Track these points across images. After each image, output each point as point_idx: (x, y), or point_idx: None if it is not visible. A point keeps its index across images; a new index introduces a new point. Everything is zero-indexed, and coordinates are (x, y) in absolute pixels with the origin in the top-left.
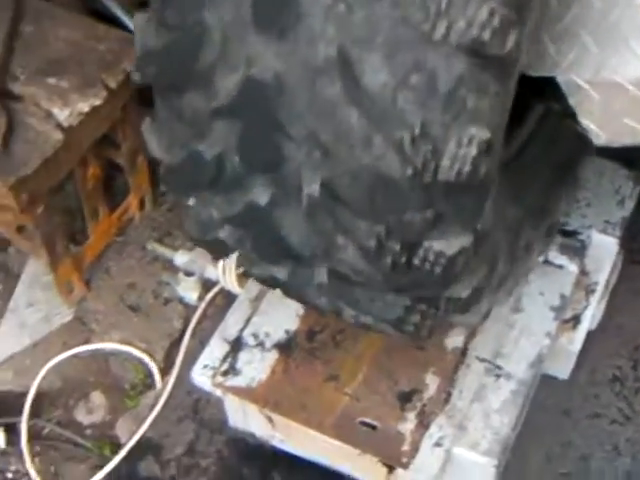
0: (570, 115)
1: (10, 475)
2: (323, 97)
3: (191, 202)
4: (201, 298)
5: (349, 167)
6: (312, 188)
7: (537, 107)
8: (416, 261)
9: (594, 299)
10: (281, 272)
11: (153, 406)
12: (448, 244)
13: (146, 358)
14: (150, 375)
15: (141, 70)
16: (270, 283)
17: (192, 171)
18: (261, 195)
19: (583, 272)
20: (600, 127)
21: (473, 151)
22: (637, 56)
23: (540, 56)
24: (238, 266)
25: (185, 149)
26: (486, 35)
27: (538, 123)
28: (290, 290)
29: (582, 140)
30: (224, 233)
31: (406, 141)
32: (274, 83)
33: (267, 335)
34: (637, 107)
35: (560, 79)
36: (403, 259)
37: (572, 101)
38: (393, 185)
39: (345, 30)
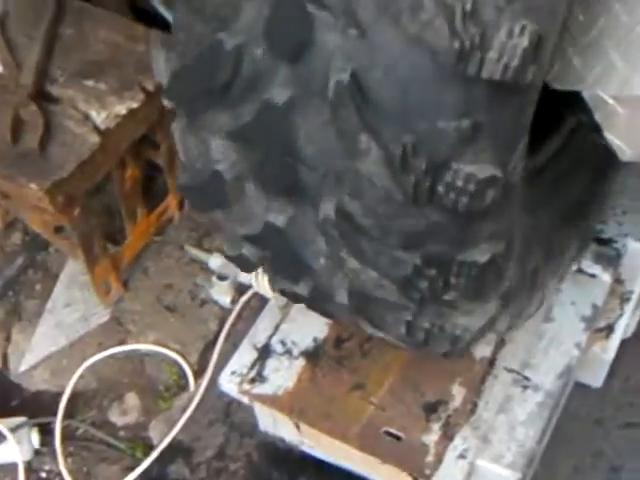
0: (598, 129)
1: (44, 475)
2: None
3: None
4: (234, 301)
5: (386, 51)
6: (341, 76)
7: (569, 119)
8: (441, 189)
9: (628, 308)
10: (302, 289)
11: (185, 409)
12: (479, 168)
13: (180, 360)
14: (184, 377)
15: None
16: (293, 299)
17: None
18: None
19: (618, 280)
20: (625, 142)
21: (524, 42)
22: None
23: (566, 70)
24: None
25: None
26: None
27: (569, 135)
28: (313, 306)
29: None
30: (246, 250)
31: (457, 12)
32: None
33: (295, 343)
34: None
35: (586, 94)
36: (427, 182)
37: (597, 116)
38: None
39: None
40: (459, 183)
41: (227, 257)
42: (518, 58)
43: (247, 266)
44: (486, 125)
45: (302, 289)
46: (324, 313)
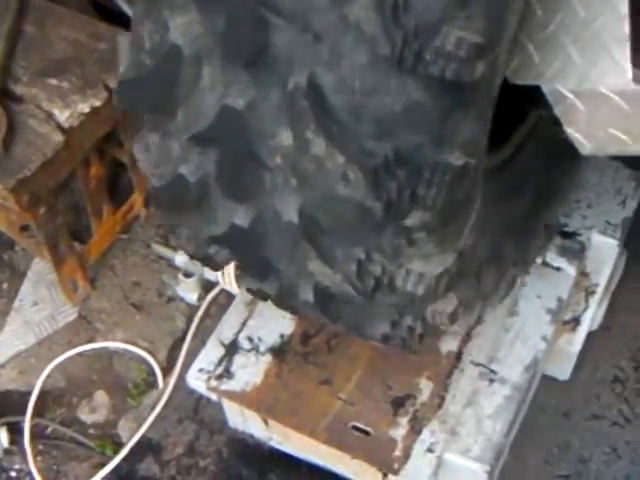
0: (558, 123)
1: (13, 474)
2: (295, 126)
3: (180, 222)
4: (201, 298)
5: (326, 195)
6: (290, 213)
7: (531, 114)
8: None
9: (594, 301)
10: (269, 288)
11: (154, 406)
12: (431, 265)
13: (149, 357)
14: (153, 374)
15: (122, 96)
16: (261, 296)
17: (178, 192)
18: (243, 217)
19: (583, 273)
20: (585, 137)
21: (448, 177)
22: (620, 66)
23: (525, 64)
24: None
25: (171, 171)
26: (454, 65)
27: (530, 130)
28: (280, 303)
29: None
30: (212, 250)
31: (380, 169)
32: (249, 111)
33: (262, 339)
34: (622, 117)
35: (545, 88)
36: (385, 281)
37: (557, 110)
38: (370, 213)
39: (313, 58)
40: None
41: (194, 257)
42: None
43: (214, 266)
44: (431, 231)
45: (268, 287)
46: (291, 311)
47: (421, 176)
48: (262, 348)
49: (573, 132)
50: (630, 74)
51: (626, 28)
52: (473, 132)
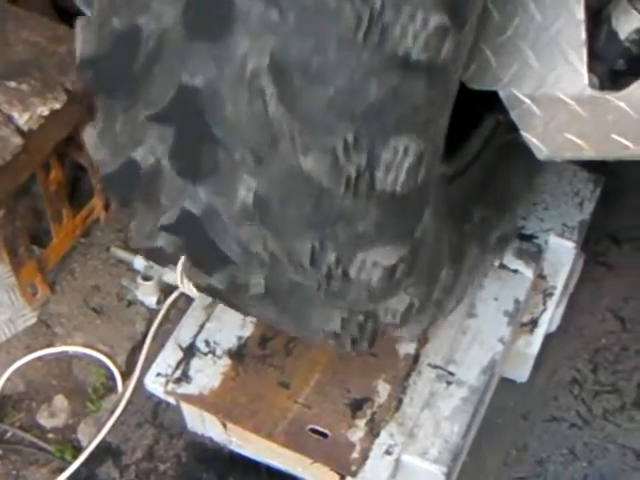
0: (515, 128)
1: None
2: (256, 104)
3: (131, 209)
4: (160, 302)
5: (283, 176)
6: (246, 195)
7: (488, 119)
8: (352, 272)
9: (552, 303)
10: (219, 281)
11: (113, 410)
12: (385, 255)
13: (108, 362)
14: (112, 378)
15: (81, 75)
16: (210, 293)
17: (129, 178)
18: (196, 203)
19: (540, 276)
20: (542, 141)
21: (408, 160)
22: (576, 71)
23: (482, 69)
24: None
25: (122, 156)
26: (419, 44)
27: (489, 135)
28: (229, 300)
29: None
30: (162, 241)
31: (339, 150)
32: (207, 90)
33: (219, 342)
34: (578, 122)
35: (502, 93)
36: (339, 270)
37: (514, 115)
38: (327, 195)
39: (278, 38)
40: (368, 268)
41: (140, 251)
42: (404, 174)
43: (163, 258)
44: (385, 223)
45: (218, 281)
46: (241, 310)
47: (380, 159)
48: (219, 351)
49: (530, 137)
50: (586, 79)
51: (582, 33)
52: (433, 118)
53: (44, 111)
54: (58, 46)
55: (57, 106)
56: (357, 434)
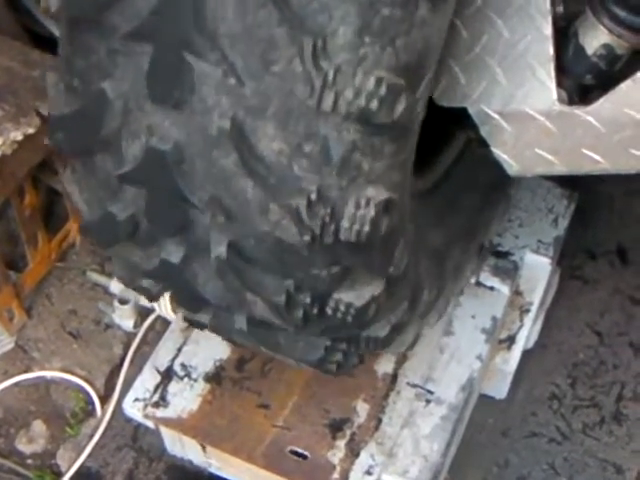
0: (486, 144)
1: None
2: (220, 167)
3: (114, 254)
4: (137, 325)
5: (252, 231)
6: (219, 250)
7: (458, 136)
8: (328, 311)
9: (528, 319)
10: (204, 317)
11: (93, 435)
12: (358, 295)
13: (86, 386)
14: (91, 403)
15: (52, 135)
16: (197, 325)
17: (108, 228)
18: (174, 253)
19: (517, 292)
20: (512, 157)
21: (371, 212)
22: (545, 86)
23: (451, 86)
24: None
25: (101, 208)
26: (374, 105)
27: (461, 151)
28: (216, 332)
29: None
30: (146, 283)
31: (302, 208)
32: (174, 152)
33: (196, 365)
34: (548, 137)
35: (471, 110)
36: (315, 310)
37: (484, 131)
38: (295, 249)
39: (237, 102)
40: (342, 308)
41: (129, 287)
42: (368, 225)
43: (149, 297)
44: (355, 266)
45: (203, 317)
46: (228, 339)
47: (344, 212)
48: (197, 374)
49: (500, 153)
50: (555, 94)
51: (550, 49)
52: (395, 167)
53: (18, 136)
54: (31, 70)
55: (31, 131)
56: (337, 455)
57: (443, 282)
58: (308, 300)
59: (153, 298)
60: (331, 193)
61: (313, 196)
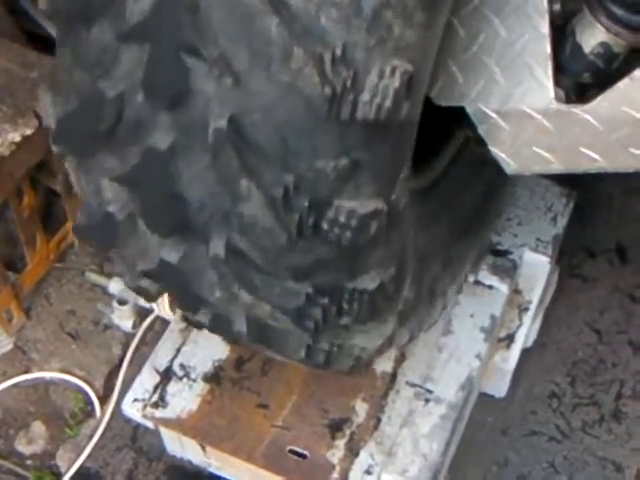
0: (483, 143)
1: None
2: (243, 5)
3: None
4: (136, 326)
5: (261, 98)
6: (219, 123)
7: (457, 134)
8: (325, 225)
9: (527, 318)
10: (203, 318)
11: (92, 435)
12: (361, 203)
13: (85, 386)
14: (90, 403)
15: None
16: (196, 326)
17: (89, 117)
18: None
19: (516, 291)
20: (510, 156)
21: (395, 83)
22: (542, 85)
23: (449, 86)
24: None
25: (84, 92)
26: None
27: (458, 150)
28: (215, 332)
29: None
30: (145, 284)
31: (327, 59)
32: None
33: (196, 365)
34: (545, 136)
35: (469, 109)
36: (311, 219)
37: (481, 130)
38: (307, 119)
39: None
40: (342, 219)
41: (128, 288)
42: (390, 98)
43: (147, 297)
44: (364, 162)
45: (202, 318)
46: (227, 339)
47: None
48: (196, 374)
49: (498, 152)
50: (552, 93)
51: (547, 48)
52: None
53: (15, 137)
54: (29, 72)
55: (28, 132)
56: (336, 455)
57: (439, 285)
58: (306, 204)
59: (152, 298)
60: (356, 54)
61: (338, 51)
